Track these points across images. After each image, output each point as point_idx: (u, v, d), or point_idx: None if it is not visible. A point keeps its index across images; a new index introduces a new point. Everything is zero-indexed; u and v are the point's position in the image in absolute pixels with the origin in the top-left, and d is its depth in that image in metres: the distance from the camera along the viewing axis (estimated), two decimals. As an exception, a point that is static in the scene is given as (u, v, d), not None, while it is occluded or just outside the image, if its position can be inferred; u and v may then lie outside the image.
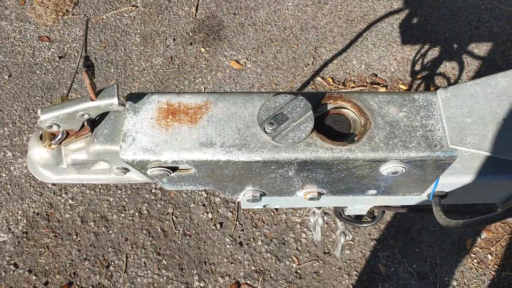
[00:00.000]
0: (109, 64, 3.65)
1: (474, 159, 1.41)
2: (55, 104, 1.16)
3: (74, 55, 3.69)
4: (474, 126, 1.16)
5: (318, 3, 3.93)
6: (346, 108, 1.19)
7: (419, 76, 3.58)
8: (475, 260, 2.94)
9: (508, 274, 2.89)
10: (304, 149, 1.11)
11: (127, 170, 1.32)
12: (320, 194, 1.36)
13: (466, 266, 2.93)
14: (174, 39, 3.76)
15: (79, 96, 1.14)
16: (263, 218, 3.08)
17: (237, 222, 3.07)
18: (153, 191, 3.17)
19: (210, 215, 3.09)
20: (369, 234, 3.02)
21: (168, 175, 1.17)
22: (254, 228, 3.05)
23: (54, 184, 3.18)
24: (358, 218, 2.24)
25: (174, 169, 1.17)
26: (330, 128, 1.18)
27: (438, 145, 1.12)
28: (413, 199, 1.66)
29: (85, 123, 1.20)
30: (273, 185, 1.29)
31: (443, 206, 1.44)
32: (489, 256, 2.94)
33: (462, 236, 3.00)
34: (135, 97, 1.18)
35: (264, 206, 1.62)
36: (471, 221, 1.19)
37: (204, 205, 3.12)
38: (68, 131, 1.23)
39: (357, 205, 1.82)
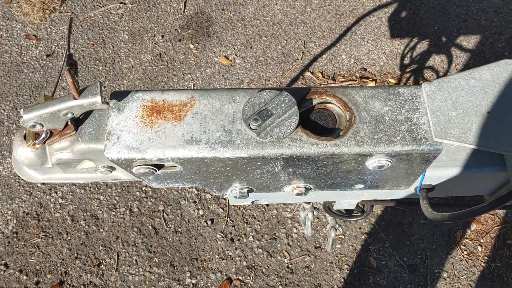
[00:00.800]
0: (97, 61, 3.62)
1: (460, 152, 1.41)
2: (38, 103, 1.15)
3: (62, 53, 3.66)
4: (459, 119, 1.16)
5: (307, -3, 3.93)
6: (331, 103, 1.19)
7: (408, 70, 3.59)
8: (465, 252, 2.96)
9: (498, 265, 2.92)
10: (289, 145, 1.11)
11: (113, 168, 1.31)
12: (307, 189, 1.35)
13: (456, 258, 2.95)
14: (162, 36, 3.74)
15: (67, 94, 1.13)
16: (254, 214, 3.08)
17: (228, 219, 3.07)
18: (143, 188, 3.16)
19: (201, 212, 3.09)
20: (360, 228, 3.04)
21: (153, 173, 1.16)
22: (245, 224, 3.05)
23: (43, 184, 3.16)
24: (348, 212, 2.24)
25: (159, 167, 1.16)
26: (316, 123, 1.18)
27: (423, 138, 1.12)
28: (400, 193, 1.67)
29: (69, 122, 1.19)
30: (260, 181, 1.29)
31: (433, 199, 1.44)
32: (479, 248, 2.97)
33: (452, 228, 3.02)
34: (119, 95, 1.17)
35: (252, 202, 1.61)
36: (456, 213, 1.20)
37: (195, 202, 3.12)
38: (52, 130, 1.22)
39: (345, 199, 1.82)
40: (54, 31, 3.72)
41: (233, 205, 3.03)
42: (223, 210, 3.09)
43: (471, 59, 3.63)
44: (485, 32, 3.75)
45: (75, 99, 1.12)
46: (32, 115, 1.13)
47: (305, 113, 1.18)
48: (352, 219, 2.26)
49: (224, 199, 3.09)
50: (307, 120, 1.18)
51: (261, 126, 1.08)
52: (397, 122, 1.14)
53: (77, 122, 1.21)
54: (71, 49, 1.29)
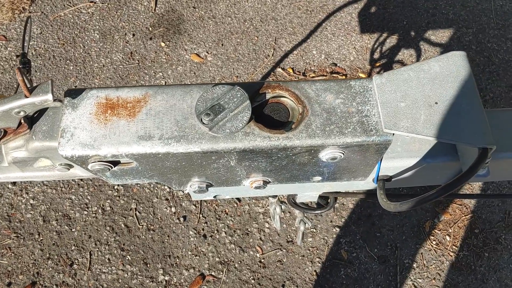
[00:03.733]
0: (68, 61, 3.61)
1: (414, 143, 1.44)
2: (-11, 103, 1.16)
3: (32, 53, 3.64)
4: (408, 110, 1.18)
5: (278, -6, 3.95)
6: (284, 96, 1.20)
7: (378, 64, 3.64)
8: (434, 242, 3.01)
9: (466, 254, 2.97)
10: (242, 139, 1.12)
11: (70, 166, 1.32)
12: (265, 182, 1.37)
13: (426, 248, 3.00)
14: (133, 35, 3.74)
15: (19, 93, 1.14)
16: (227, 210, 3.10)
17: (201, 215, 3.09)
18: (115, 187, 3.16)
19: (173, 209, 3.10)
20: (331, 222, 3.07)
21: (109, 169, 1.17)
22: (217, 220, 3.07)
23: (14, 184, 3.14)
24: (321, 205, 2.25)
25: (115, 163, 1.16)
26: (269, 117, 1.19)
27: (374, 129, 1.14)
28: (360, 184, 1.69)
29: (22, 121, 1.19)
30: (218, 176, 1.29)
31: (397, 190, 1.47)
32: (447, 238, 3.02)
33: (421, 219, 3.08)
34: (74, 93, 1.17)
35: (214, 197, 1.62)
36: (406, 202, 1.23)
37: (167, 199, 3.13)
38: (6, 129, 1.23)
39: (306, 192, 1.83)
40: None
41: (195, 200, 3.05)
42: (196, 207, 3.11)
43: (439, 53, 3.68)
44: (453, 26, 3.81)
45: (27, 97, 1.12)
46: None
47: (258, 107, 1.19)
48: (315, 212, 2.29)
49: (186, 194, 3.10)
50: (261, 114, 1.19)
51: (214, 120, 1.09)
52: (348, 114, 1.15)
53: (32, 120, 1.21)
54: (25, 48, 1.29)
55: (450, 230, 3.04)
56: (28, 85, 1.12)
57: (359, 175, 1.41)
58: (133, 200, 3.12)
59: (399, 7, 3.90)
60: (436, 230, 3.05)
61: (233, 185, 1.39)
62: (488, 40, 3.74)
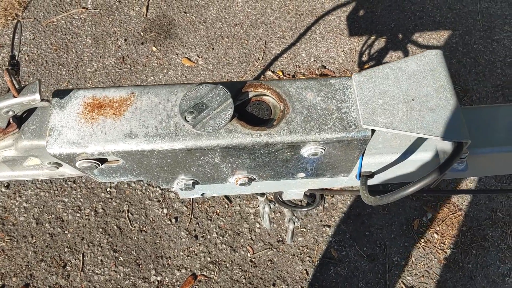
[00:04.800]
0: (60, 66, 3.65)
1: (395, 140, 1.48)
2: (-22, 103, 1.19)
3: (25, 58, 3.68)
4: (385, 106, 1.22)
5: (267, -1, 4.02)
6: (266, 95, 1.23)
7: (366, 66, 3.69)
8: (422, 240, 3.06)
9: (454, 251, 3.02)
10: (225, 135, 1.15)
11: (59, 164, 1.35)
12: (250, 179, 1.40)
13: (414, 246, 3.05)
14: (125, 39, 3.79)
15: (7, 93, 1.17)
16: (218, 210, 3.14)
17: (192, 216, 3.13)
18: (108, 189, 3.20)
19: (165, 211, 3.14)
20: (321, 221, 3.12)
21: (96, 167, 1.19)
22: (209, 221, 3.11)
23: (7, 188, 3.18)
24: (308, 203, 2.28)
25: (102, 161, 1.19)
26: (252, 114, 1.22)
27: (353, 126, 1.17)
28: (343, 180, 1.72)
29: (11, 120, 1.22)
30: (203, 173, 1.32)
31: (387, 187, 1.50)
32: (435, 235, 3.07)
33: (409, 217, 3.12)
34: (61, 93, 1.20)
35: (202, 195, 1.64)
36: (385, 195, 1.27)
37: (159, 201, 3.17)
38: None
39: (292, 189, 1.85)
40: (16, 37, 3.73)
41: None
42: (187, 208, 3.15)
43: (426, 55, 3.75)
44: (439, 28, 3.87)
45: (15, 97, 1.15)
46: None
47: (241, 105, 1.22)
48: (302, 209, 2.33)
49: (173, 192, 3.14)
50: (244, 112, 1.22)
51: (197, 118, 1.12)
52: (328, 111, 1.19)
53: (20, 120, 1.24)
54: (15, 50, 1.33)
55: (438, 228, 3.09)
56: (16, 86, 1.15)
57: (341, 171, 1.44)
58: (126, 202, 3.16)
59: (386, 10, 3.97)
60: (424, 228, 3.10)
61: (219, 182, 1.42)
62: (475, 41, 3.81)
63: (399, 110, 1.22)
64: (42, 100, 1.16)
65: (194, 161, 1.24)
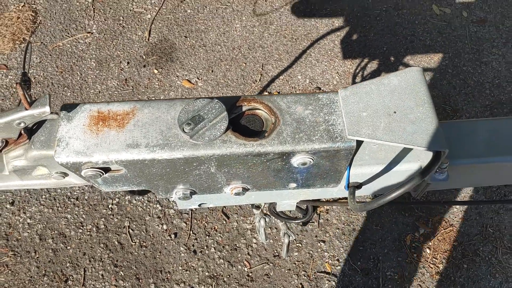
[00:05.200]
0: (65, 88, 3.80)
1: (381, 151, 1.57)
2: (-8, 115, 1.30)
3: (32, 80, 3.82)
4: (369, 119, 1.30)
5: (265, 23, 4.18)
6: (259, 109, 1.31)
7: (359, 88, 3.83)
8: (415, 255, 3.14)
9: (446, 266, 3.10)
10: (220, 146, 1.22)
11: (65, 174, 1.44)
12: (245, 189, 1.46)
13: (407, 260, 3.13)
14: (128, 62, 3.94)
15: (19, 106, 1.29)
16: (216, 226, 3.24)
17: (191, 232, 3.22)
18: (110, 206, 3.30)
19: (165, 227, 3.23)
20: (316, 236, 3.21)
21: (101, 175, 1.27)
22: (207, 237, 3.20)
23: (12, 204, 3.28)
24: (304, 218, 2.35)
25: (106, 170, 1.26)
26: (245, 127, 1.29)
27: (339, 136, 1.25)
28: (333, 191, 1.80)
29: (22, 132, 1.31)
30: (200, 182, 1.39)
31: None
32: (428, 250, 3.15)
33: (402, 233, 3.21)
34: (69, 107, 1.30)
35: (199, 205, 1.71)
36: (369, 202, 1.38)
37: (159, 217, 3.27)
38: (7, 140, 1.36)
39: (284, 200, 1.90)
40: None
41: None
42: (186, 224, 3.25)
43: (417, 76, 3.89)
44: (430, 51, 4.03)
45: (26, 109, 1.24)
46: None
47: (235, 118, 1.30)
48: (295, 221, 2.43)
49: (188, 213, 3.24)
50: (238, 124, 1.30)
51: (194, 129, 1.20)
52: (316, 123, 1.27)
53: (31, 131, 1.33)
54: (26, 68, 1.45)
55: (430, 243, 3.18)
56: (28, 99, 1.25)
57: (330, 181, 1.51)
58: (126, 218, 3.26)
59: (379, 34, 4.13)
60: (417, 243, 3.18)
61: (215, 192, 1.48)
62: (464, 64, 3.96)
63: (382, 122, 1.31)
64: (51, 112, 1.25)
65: (191, 171, 1.31)
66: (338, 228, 3.23)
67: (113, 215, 3.27)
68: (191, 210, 3.28)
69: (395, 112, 1.33)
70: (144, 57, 3.98)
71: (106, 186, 1.37)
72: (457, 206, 3.30)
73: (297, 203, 2.09)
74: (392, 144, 1.40)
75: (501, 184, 1.84)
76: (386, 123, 1.31)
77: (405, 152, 1.51)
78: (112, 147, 1.22)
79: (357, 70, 3.91)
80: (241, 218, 3.26)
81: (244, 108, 1.33)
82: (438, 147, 1.30)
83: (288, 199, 1.92)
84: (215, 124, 1.21)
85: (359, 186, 1.63)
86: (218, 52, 4.03)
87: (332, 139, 1.26)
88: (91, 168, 1.24)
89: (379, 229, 3.23)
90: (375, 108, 1.33)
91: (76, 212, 3.27)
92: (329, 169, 1.41)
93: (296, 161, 1.30)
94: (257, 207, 2.46)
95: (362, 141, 1.50)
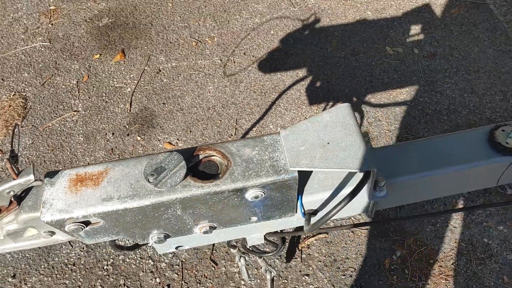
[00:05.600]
0: (57, 163, 4.11)
1: (328, 179, 1.78)
2: (-15, 188, 1.44)
3: (25, 161, 4.15)
4: (306, 151, 1.48)
5: (235, 82, 4.56)
6: (214, 155, 1.50)
7: (327, 129, 4.13)
8: (394, 277, 3.31)
9: (424, 283, 3.27)
10: (181, 190, 1.39)
11: (53, 232, 1.61)
12: (212, 227, 1.62)
13: (387, 283, 3.30)
14: (113, 133, 4.28)
15: (8, 177, 1.54)
16: (205, 274, 3.43)
17: (183, 282, 3.41)
18: (105, 267, 3.51)
19: (158, 280, 3.43)
20: (300, 271, 3.39)
21: (82, 228, 1.42)
22: (198, 284, 3.39)
23: (14, 277, 3.49)
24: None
25: (87, 223, 1.42)
26: (203, 172, 1.48)
27: (282, 170, 1.42)
28: (293, 220, 1.97)
29: (12, 199, 1.48)
30: (171, 225, 1.54)
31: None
32: (406, 271, 3.33)
33: (380, 258, 3.40)
34: (52, 174, 1.46)
35: (176, 248, 1.85)
36: (314, 223, 1.61)
37: (152, 271, 3.47)
38: (0, 208, 1.56)
39: (252, 234, 1.98)
40: (16, 144, 4.24)
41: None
42: (178, 275, 3.44)
43: (378, 112, 4.21)
44: (388, 88, 4.37)
45: (14, 179, 1.43)
46: None
47: (194, 166, 1.48)
48: (267, 255, 2.61)
49: (178, 264, 3.44)
50: (196, 170, 1.47)
51: (157, 179, 1.37)
52: (262, 161, 1.45)
53: (20, 198, 1.54)
54: (14, 146, 1.73)
55: (407, 264, 3.36)
56: (15, 171, 1.46)
57: (286, 211, 1.66)
58: (122, 277, 3.46)
59: (340, 79, 4.49)
60: (395, 266, 3.37)
61: (187, 233, 1.62)
62: (420, 95, 4.28)
63: (318, 152, 1.49)
64: (36, 180, 1.43)
65: (160, 215, 1.47)
66: (320, 261, 3.42)
67: (108, 275, 3.47)
68: (182, 262, 3.49)
69: (328, 143, 1.51)
70: (127, 126, 4.32)
71: (89, 239, 1.52)
72: (430, 226, 3.51)
73: (265, 236, 2.25)
74: (327, 170, 1.62)
75: (439, 196, 2.04)
76: (321, 153, 1.49)
77: (349, 177, 1.68)
78: (89, 203, 1.38)
79: (323, 114, 4.23)
80: (229, 263, 3.46)
81: (201, 156, 1.51)
82: (366, 168, 1.46)
83: (254, 233, 2.02)
84: (175, 172, 1.39)
85: (314, 212, 1.76)
86: (194, 113, 4.37)
87: (277, 172, 1.43)
88: (73, 223, 1.40)
89: (358, 256, 3.42)
90: (311, 142, 1.51)
91: (74, 277, 3.48)
92: (281, 200, 1.56)
93: (249, 195, 1.46)
94: (233, 246, 2.66)
95: (310, 173, 1.71)
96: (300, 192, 1.66)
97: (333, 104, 4.29)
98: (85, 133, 4.31)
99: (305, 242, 3.50)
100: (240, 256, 2.70)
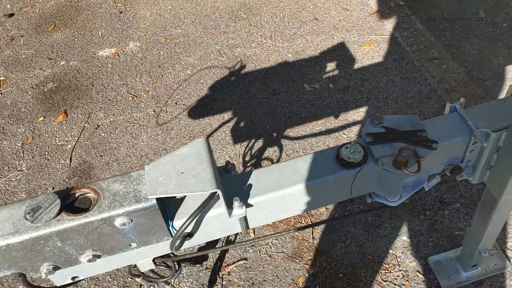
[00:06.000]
0: (0, 221, 4.39)
1: (195, 205, 1.96)
2: None
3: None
4: (163, 181, 1.68)
5: (166, 130, 4.93)
6: (89, 192, 1.67)
7: (249, 165, 4.47)
8: (307, 293, 3.56)
9: (334, 297, 3.51)
10: (55, 224, 1.54)
11: None
12: (95, 256, 1.75)
13: (301, 300, 3.54)
14: (53, 188, 4.59)
15: None
16: (134, 308, 3.66)
17: (113, 318, 3.63)
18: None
19: (89, 319, 3.65)
20: (221, 297, 3.63)
21: None
22: (127, 319, 3.61)
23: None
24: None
25: None
26: (78, 207, 1.64)
27: (143, 199, 1.61)
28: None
29: None
30: (57, 257, 1.67)
31: None
32: (318, 286, 3.58)
33: (294, 277, 3.65)
34: None
35: (72, 278, 1.92)
36: (173, 241, 1.85)
37: (84, 312, 3.70)
38: None
39: (140, 260, 2.10)
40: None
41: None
42: (108, 312, 3.67)
43: (296, 144, 4.56)
44: (306, 122, 4.74)
45: None
46: None
47: (71, 203, 1.65)
48: (162, 280, 2.80)
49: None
50: (72, 206, 1.64)
51: (34, 216, 1.52)
52: (127, 193, 1.63)
53: None
54: None
55: (319, 280, 3.61)
56: None
57: (161, 235, 1.81)
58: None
59: (262, 117, 4.87)
60: (308, 283, 3.61)
61: (75, 263, 1.75)
62: (334, 125, 4.65)
63: (173, 181, 1.69)
64: None
65: (42, 248, 1.59)
66: (240, 286, 3.67)
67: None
68: (112, 299, 3.72)
69: (182, 173, 1.71)
70: (66, 180, 4.64)
71: None
72: (340, 243, 3.78)
73: (154, 261, 2.44)
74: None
75: (306, 210, 2.29)
76: (176, 181, 1.69)
77: (214, 201, 1.87)
78: None
79: (246, 150, 4.58)
80: (156, 296, 3.69)
81: (77, 194, 1.68)
82: (211, 189, 1.67)
83: (142, 258, 2.11)
84: (50, 209, 1.54)
85: (190, 234, 1.96)
86: (129, 162, 4.71)
87: (138, 201, 1.62)
88: None
89: (275, 278, 3.67)
90: (168, 173, 1.71)
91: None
92: (151, 225, 1.72)
93: (117, 223, 1.62)
94: (136, 275, 2.89)
95: (181, 201, 1.92)
96: (171, 217, 1.84)
97: (254, 141, 4.65)
98: (27, 190, 4.61)
99: (226, 269, 3.75)
100: (150, 285, 2.93)
